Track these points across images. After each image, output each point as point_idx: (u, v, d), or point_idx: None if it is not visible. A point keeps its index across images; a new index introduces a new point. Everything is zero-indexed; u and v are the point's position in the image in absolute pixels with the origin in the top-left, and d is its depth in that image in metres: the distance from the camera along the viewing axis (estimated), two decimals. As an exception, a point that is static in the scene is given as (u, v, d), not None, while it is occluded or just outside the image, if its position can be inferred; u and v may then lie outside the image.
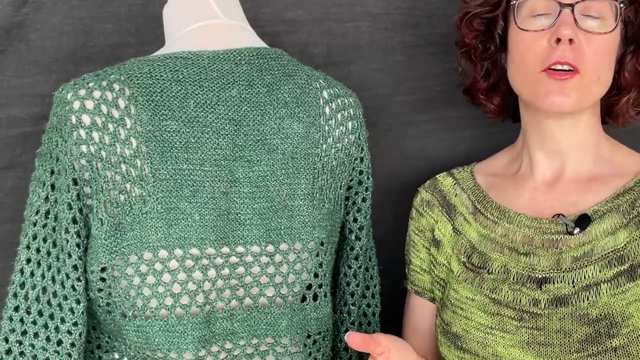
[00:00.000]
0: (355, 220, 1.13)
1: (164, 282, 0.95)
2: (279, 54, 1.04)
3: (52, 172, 0.97)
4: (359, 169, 1.11)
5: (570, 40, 0.99)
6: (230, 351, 0.99)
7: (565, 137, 1.08)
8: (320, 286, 1.05)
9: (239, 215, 0.98)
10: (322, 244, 1.03)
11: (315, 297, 1.05)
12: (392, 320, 1.24)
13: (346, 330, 1.14)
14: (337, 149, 1.06)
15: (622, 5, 1.02)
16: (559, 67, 1.00)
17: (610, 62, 1.05)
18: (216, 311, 0.98)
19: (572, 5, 1.00)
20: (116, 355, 1.02)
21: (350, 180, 1.11)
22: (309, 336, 1.05)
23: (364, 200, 1.13)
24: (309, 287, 1.04)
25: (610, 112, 1.13)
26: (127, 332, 0.97)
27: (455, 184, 1.18)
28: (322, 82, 1.06)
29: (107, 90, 0.95)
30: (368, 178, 1.13)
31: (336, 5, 1.32)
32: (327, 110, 1.05)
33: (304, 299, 1.04)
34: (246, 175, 0.98)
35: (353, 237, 1.13)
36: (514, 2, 1.06)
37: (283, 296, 1.01)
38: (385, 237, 1.28)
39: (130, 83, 0.95)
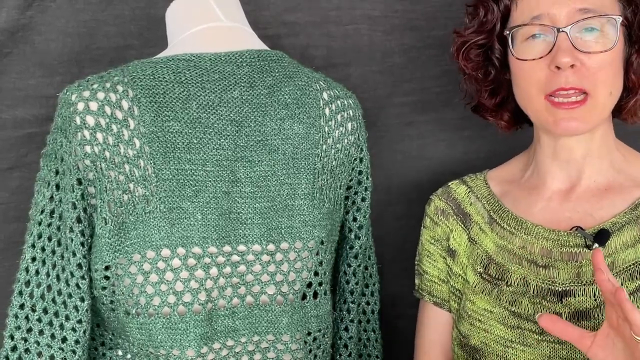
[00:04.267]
0: (354, 219, 1.13)
1: (167, 280, 0.95)
2: (279, 56, 1.05)
3: (57, 172, 0.98)
4: (358, 169, 1.11)
5: (572, 65, 0.96)
6: (232, 348, 1.00)
7: (580, 146, 1.04)
8: (320, 284, 1.05)
9: (241, 214, 0.98)
10: (322, 242, 1.04)
11: (315, 295, 1.05)
12: (391, 319, 1.25)
13: (346, 328, 1.15)
14: (336, 149, 1.06)
15: (619, 18, 0.98)
16: (563, 93, 0.97)
17: (619, 70, 1.01)
18: (218, 309, 0.98)
19: (567, 28, 0.96)
20: (120, 352, 1.02)
21: (350, 180, 1.12)
22: (309, 333, 1.05)
23: (363, 199, 1.13)
24: (309, 285, 1.05)
25: (618, 114, 1.08)
26: (130, 330, 0.97)
27: (469, 191, 1.14)
28: (322, 83, 1.07)
29: (111, 91, 0.95)
30: (367, 178, 1.13)
31: (336, 9, 1.32)
32: (327, 111, 1.05)
33: (304, 297, 1.04)
34: (247, 175, 0.99)
35: (352, 236, 1.13)
36: (508, 32, 1.02)
37: (284, 294, 1.02)
38: (385, 236, 1.29)
39: (133, 85, 0.96)
